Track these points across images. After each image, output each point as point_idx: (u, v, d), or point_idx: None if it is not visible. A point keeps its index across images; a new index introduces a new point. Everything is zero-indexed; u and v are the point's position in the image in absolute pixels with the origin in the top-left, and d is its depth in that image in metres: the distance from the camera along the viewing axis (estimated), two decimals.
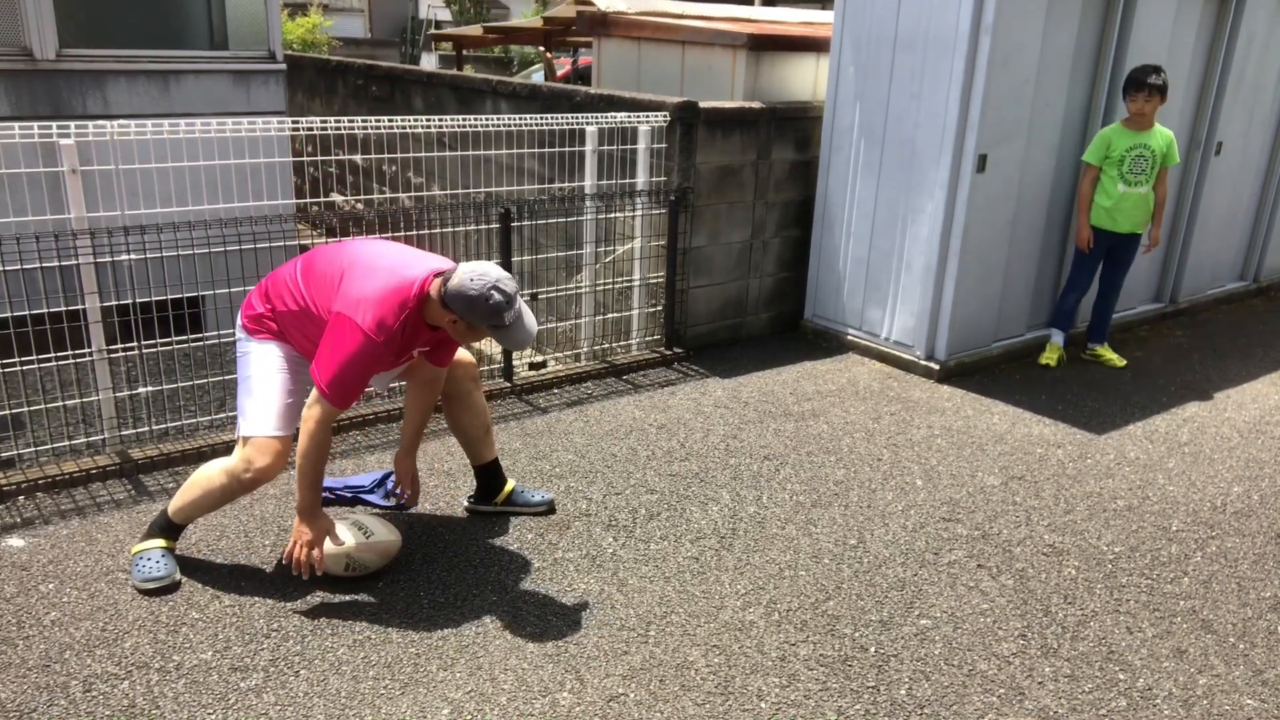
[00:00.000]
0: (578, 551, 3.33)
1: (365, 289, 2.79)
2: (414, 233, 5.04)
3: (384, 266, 2.86)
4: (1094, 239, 5.22)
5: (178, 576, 3.04)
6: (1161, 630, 3.02)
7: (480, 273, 2.75)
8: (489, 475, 3.52)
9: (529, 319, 2.87)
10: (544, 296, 5.25)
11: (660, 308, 5.30)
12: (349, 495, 3.60)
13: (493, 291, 2.73)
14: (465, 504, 3.58)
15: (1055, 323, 5.48)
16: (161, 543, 3.08)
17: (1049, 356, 5.41)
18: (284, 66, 6.25)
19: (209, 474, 3.01)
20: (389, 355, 2.84)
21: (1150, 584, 3.28)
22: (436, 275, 2.84)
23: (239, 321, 3.08)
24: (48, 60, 5.40)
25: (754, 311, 5.76)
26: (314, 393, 2.83)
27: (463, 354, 3.33)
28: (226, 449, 3.90)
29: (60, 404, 3.88)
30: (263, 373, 2.96)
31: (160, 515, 3.13)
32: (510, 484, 3.56)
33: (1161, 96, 4.96)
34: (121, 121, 3.75)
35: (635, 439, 4.25)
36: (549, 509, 3.58)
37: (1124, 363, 5.47)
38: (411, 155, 6.36)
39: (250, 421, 2.93)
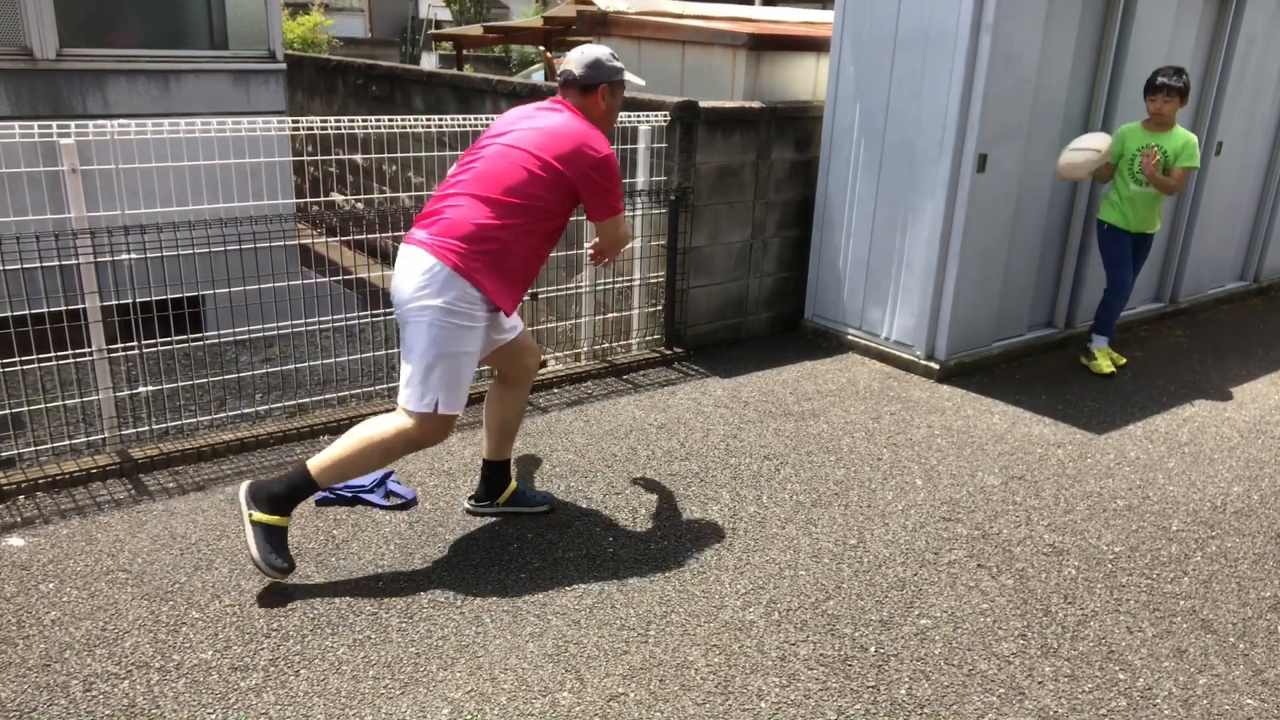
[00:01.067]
0: (578, 551, 3.33)
1: (570, 130, 3.05)
2: None
3: (546, 113, 3.15)
4: (1116, 237, 5.16)
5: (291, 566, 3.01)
6: (1161, 630, 3.02)
7: (577, 51, 3.20)
8: (498, 472, 3.52)
9: None
10: (544, 296, 5.25)
11: (660, 307, 5.30)
12: (349, 495, 3.60)
13: (599, 47, 3.20)
14: (466, 505, 3.58)
15: (1102, 330, 5.30)
16: (286, 523, 3.00)
17: (1103, 364, 5.22)
18: (284, 66, 6.25)
19: (379, 433, 2.99)
20: None
21: (1150, 584, 3.28)
22: (564, 95, 3.20)
23: (437, 278, 2.91)
24: (48, 60, 5.40)
25: (754, 311, 5.76)
26: (611, 221, 3.15)
27: (534, 343, 3.49)
28: (227, 448, 3.92)
29: (60, 404, 3.88)
30: (471, 353, 3.04)
31: (296, 474, 2.98)
32: (513, 484, 3.57)
33: (1181, 98, 4.90)
34: (121, 121, 3.75)
35: (635, 439, 4.25)
36: (550, 509, 3.58)
37: (1124, 360, 5.46)
38: (411, 155, 6.36)
39: (447, 397, 2.99)
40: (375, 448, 3.00)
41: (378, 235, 5.55)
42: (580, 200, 3.10)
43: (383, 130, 4.39)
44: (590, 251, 3.43)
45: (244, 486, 3.00)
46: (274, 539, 2.97)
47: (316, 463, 3.01)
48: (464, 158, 3.12)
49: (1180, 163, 5.00)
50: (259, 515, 2.95)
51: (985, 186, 4.86)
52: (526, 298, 4.90)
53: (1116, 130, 5.14)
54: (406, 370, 3.02)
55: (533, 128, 3.08)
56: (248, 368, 4.69)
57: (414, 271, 2.96)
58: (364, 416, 4.24)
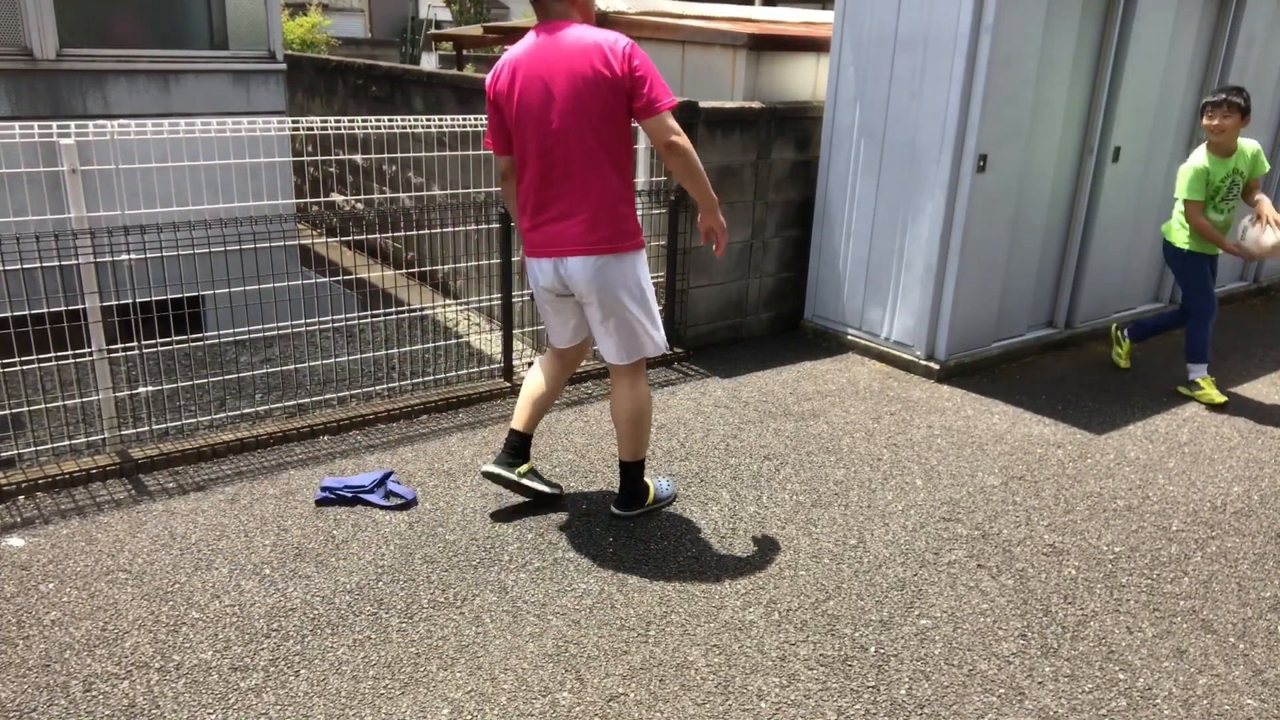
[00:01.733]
0: (578, 551, 3.34)
1: (587, 40, 3.11)
2: (414, 233, 5.05)
3: (550, 39, 3.15)
4: (1198, 262, 4.99)
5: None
6: (1161, 630, 3.02)
7: None
8: (526, 444, 3.54)
9: None
10: None
11: (660, 308, 5.30)
12: (349, 495, 3.60)
13: None
14: (483, 467, 3.51)
15: (1201, 357, 5.04)
16: (649, 483, 3.63)
17: (1213, 393, 4.93)
18: (284, 66, 6.26)
19: (643, 405, 3.38)
20: None
21: (1150, 584, 3.29)
22: (544, 13, 3.21)
23: (627, 257, 3.23)
24: (48, 60, 5.40)
25: (754, 311, 5.76)
26: (667, 119, 3.11)
27: None
28: (227, 448, 3.92)
29: (60, 404, 3.88)
30: (653, 292, 3.34)
31: (630, 479, 3.52)
32: (530, 461, 3.58)
33: (1241, 114, 4.69)
34: (121, 121, 3.75)
35: None
36: (558, 494, 3.62)
37: (1125, 363, 5.47)
38: (411, 155, 6.37)
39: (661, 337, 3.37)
40: (642, 407, 3.39)
41: (377, 235, 5.55)
42: (630, 100, 3.11)
43: (383, 130, 4.39)
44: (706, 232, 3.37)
45: (622, 513, 3.60)
46: (646, 491, 3.63)
47: (625, 455, 3.48)
48: (529, 127, 3.13)
49: (1257, 172, 4.88)
50: (651, 500, 3.62)
51: (985, 186, 4.86)
52: (527, 297, 4.91)
53: (1192, 167, 4.81)
54: (628, 329, 3.28)
55: (562, 61, 3.08)
56: (248, 368, 4.69)
57: (604, 272, 3.19)
58: (364, 416, 4.25)
